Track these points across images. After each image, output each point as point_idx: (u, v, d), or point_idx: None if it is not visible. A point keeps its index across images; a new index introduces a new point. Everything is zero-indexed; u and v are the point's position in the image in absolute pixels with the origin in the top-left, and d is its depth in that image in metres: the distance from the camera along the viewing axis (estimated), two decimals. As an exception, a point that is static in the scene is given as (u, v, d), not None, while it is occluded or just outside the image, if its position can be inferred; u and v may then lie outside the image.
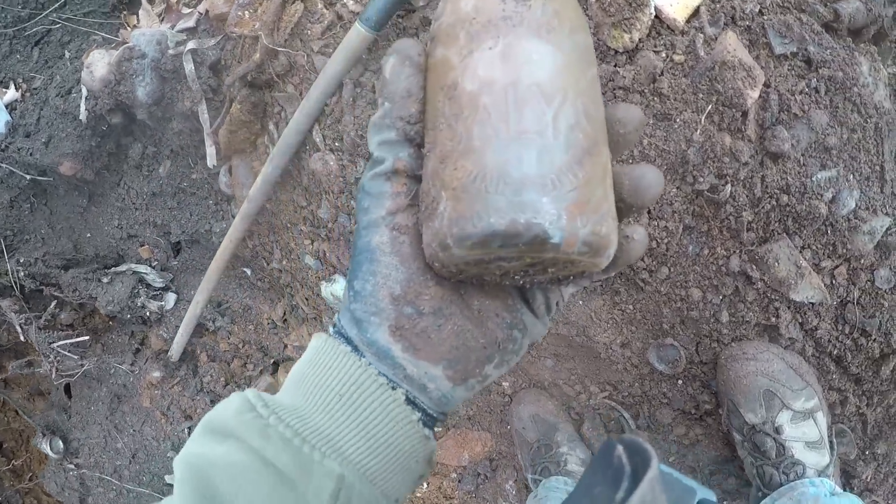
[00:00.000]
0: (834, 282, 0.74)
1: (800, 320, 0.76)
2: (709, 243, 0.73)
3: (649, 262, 0.76)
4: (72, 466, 1.50)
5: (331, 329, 0.32)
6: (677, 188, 0.70)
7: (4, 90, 1.23)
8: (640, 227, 0.31)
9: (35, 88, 1.24)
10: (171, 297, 1.43)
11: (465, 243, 0.25)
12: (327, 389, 0.29)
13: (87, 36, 1.25)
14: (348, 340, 0.30)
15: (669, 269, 0.75)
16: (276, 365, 1.41)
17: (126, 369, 1.47)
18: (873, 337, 0.76)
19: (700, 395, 0.85)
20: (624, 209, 0.29)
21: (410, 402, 0.29)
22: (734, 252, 0.72)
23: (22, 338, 1.34)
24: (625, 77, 0.67)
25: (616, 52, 0.68)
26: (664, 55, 0.67)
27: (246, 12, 0.90)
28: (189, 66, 1.04)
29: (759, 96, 0.68)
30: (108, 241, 1.39)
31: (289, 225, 1.08)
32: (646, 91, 0.68)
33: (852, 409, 0.83)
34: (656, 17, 0.68)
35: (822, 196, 0.69)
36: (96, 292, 1.37)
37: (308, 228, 1.04)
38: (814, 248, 0.72)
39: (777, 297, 0.74)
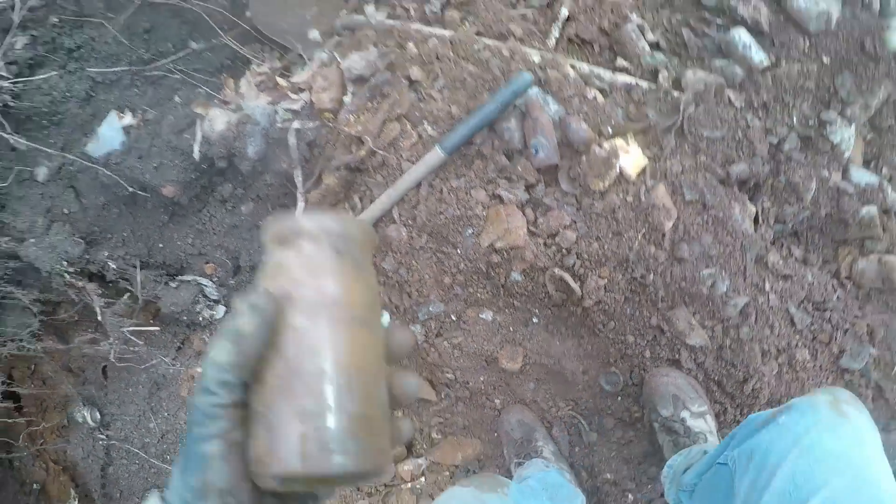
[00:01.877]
0: (713, 334, 1.49)
1: (693, 357, 1.51)
2: (639, 308, 1.47)
3: (603, 318, 1.50)
4: (102, 437, 2.10)
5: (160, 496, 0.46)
6: (622, 275, 1.44)
7: (122, 115, 1.88)
8: (408, 421, 0.48)
9: (147, 120, 1.89)
10: (221, 310, 2.09)
11: (268, 479, 0.40)
12: None
13: (194, 88, 1.92)
14: None
15: (615, 323, 1.50)
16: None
17: (168, 362, 2.09)
18: (738, 368, 1.51)
19: (632, 407, 1.59)
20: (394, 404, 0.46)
21: None
22: (654, 314, 1.47)
23: (99, 318, 1.94)
24: (597, 208, 1.41)
25: (594, 192, 1.42)
26: (621, 196, 1.42)
27: (352, 117, 1.60)
28: (292, 140, 1.73)
29: (673, 225, 1.43)
30: (178, 254, 2.04)
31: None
32: (608, 217, 1.41)
33: (731, 418, 1.58)
34: (620, 172, 1.42)
35: (705, 283, 1.45)
36: (162, 293, 2.02)
37: (368, 268, 1.74)
38: (700, 313, 1.47)
39: (679, 343, 1.49)
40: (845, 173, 1.65)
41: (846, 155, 1.63)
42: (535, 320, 1.60)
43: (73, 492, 2.22)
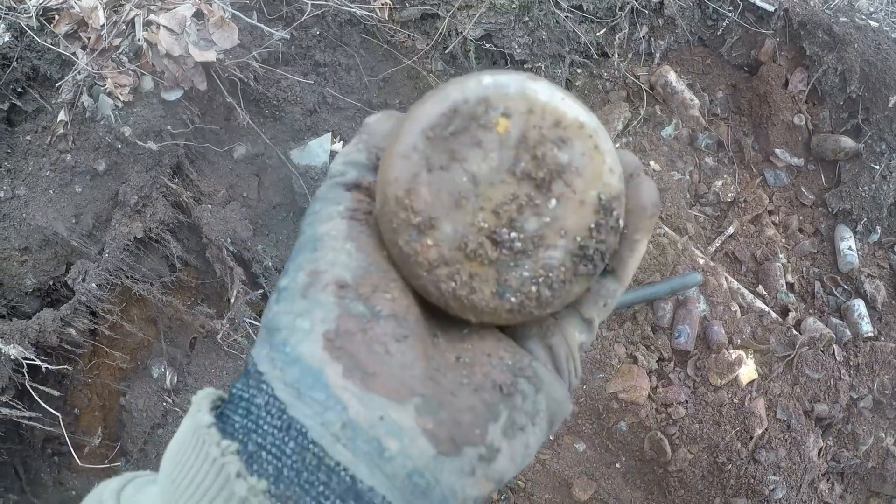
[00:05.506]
0: (757, 532, 2.06)
1: (733, 543, 2.07)
2: (709, 486, 2.04)
3: (677, 485, 2.06)
4: (168, 400, 2.55)
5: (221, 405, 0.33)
6: (707, 456, 2.01)
7: (335, 140, 2.42)
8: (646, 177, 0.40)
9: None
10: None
11: (423, 124, 0.36)
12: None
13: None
14: (231, 424, 0.30)
15: (685, 492, 2.06)
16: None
17: (261, 359, 2.59)
18: (762, 568, 2.07)
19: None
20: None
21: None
22: (719, 495, 2.04)
23: (231, 300, 2.44)
24: (709, 398, 1.99)
25: (711, 385, 2.00)
26: (730, 396, 2.00)
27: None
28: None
29: (761, 433, 2.01)
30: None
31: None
32: (715, 408, 2.00)
33: None
34: (736, 377, 2.01)
35: (768, 486, 2.02)
36: (287, 304, 2.54)
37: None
38: (754, 512, 2.05)
39: (728, 527, 2.05)
40: (897, 440, 2.26)
41: (903, 426, 2.24)
42: (618, 465, 2.16)
43: (100, 430, 2.63)
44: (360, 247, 0.31)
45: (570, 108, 0.37)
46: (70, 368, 2.34)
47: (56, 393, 2.33)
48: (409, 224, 0.34)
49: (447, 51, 2.44)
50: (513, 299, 0.36)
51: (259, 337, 0.31)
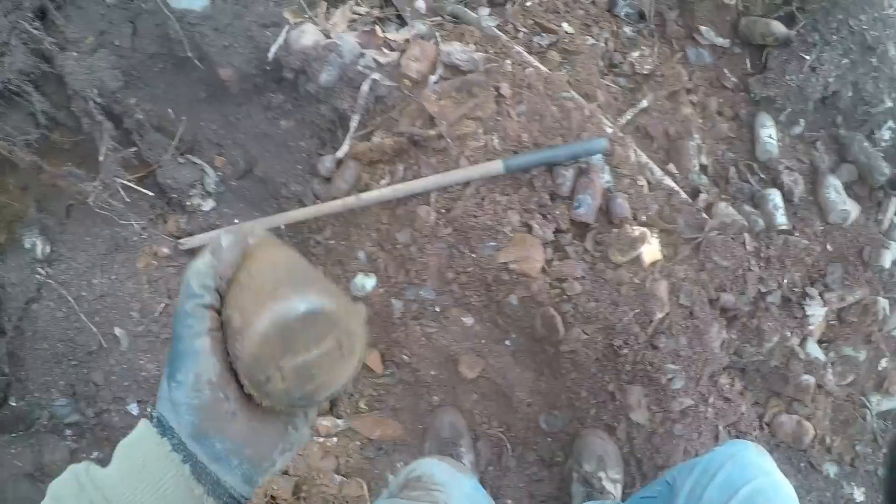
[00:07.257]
0: (653, 419, 1.94)
1: (629, 431, 1.95)
2: (603, 371, 1.91)
3: (569, 366, 1.92)
4: (42, 272, 2.28)
5: (151, 419, 0.60)
6: (602, 338, 1.88)
7: None
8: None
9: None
10: (210, 203, 2.37)
11: (255, 336, 0.55)
12: (138, 471, 0.57)
13: (288, -11, 2.22)
14: (164, 426, 0.58)
15: (577, 375, 1.93)
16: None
17: (138, 229, 2.32)
18: (660, 455, 1.96)
19: (557, 451, 2.02)
20: None
21: (197, 474, 0.57)
22: (613, 381, 1.91)
23: (100, 158, 2.16)
24: (608, 275, 1.85)
25: (611, 262, 1.85)
26: (630, 276, 1.86)
27: (434, 96, 1.98)
28: (365, 87, 2.09)
29: (661, 318, 1.88)
30: (195, 133, 2.32)
31: (362, 225, 2.11)
32: (613, 287, 1.86)
33: (635, 492, 2.02)
34: (638, 256, 1.87)
35: (666, 375, 1.90)
36: (164, 163, 2.27)
37: (377, 236, 2.09)
38: (651, 398, 1.93)
39: (623, 414, 1.93)
40: (803, 342, 2.18)
41: (810, 328, 2.16)
42: (507, 343, 2.01)
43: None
44: (219, 357, 0.58)
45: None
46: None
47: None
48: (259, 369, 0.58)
49: None
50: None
51: (164, 405, 0.59)
